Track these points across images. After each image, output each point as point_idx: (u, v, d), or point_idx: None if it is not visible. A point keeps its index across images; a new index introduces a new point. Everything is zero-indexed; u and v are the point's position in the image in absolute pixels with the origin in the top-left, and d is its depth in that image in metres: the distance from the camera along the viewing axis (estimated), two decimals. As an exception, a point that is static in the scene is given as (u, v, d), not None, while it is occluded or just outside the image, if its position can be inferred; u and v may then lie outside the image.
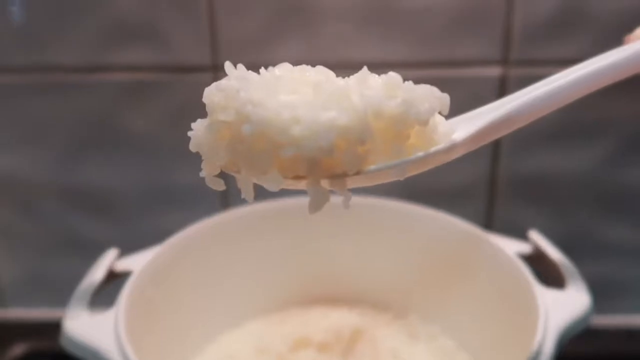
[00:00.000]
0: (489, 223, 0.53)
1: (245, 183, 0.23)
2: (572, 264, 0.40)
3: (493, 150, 0.50)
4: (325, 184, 0.23)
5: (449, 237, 0.43)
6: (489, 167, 0.51)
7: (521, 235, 0.43)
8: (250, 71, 0.24)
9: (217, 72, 0.48)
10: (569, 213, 0.53)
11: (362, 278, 0.47)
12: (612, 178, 0.51)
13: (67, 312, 0.37)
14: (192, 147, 0.24)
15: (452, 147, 0.24)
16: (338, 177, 0.23)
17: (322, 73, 0.24)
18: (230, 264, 0.45)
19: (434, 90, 0.23)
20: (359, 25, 0.47)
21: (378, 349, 0.42)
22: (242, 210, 0.44)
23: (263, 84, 0.22)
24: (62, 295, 0.41)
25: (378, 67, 0.48)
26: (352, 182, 0.23)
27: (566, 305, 0.36)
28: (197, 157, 0.24)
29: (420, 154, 0.24)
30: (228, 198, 0.52)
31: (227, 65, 0.24)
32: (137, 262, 0.40)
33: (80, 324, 0.36)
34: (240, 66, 0.24)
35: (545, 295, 0.36)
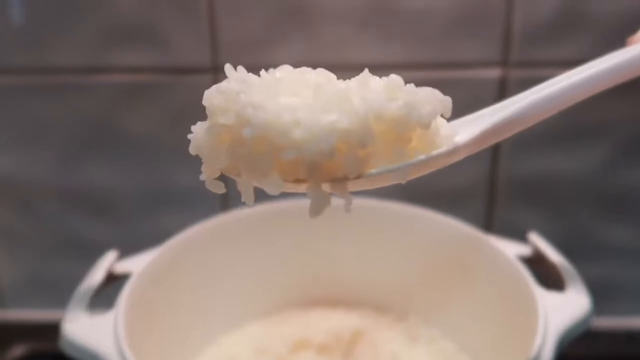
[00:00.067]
0: (489, 225, 0.53)
1: (245, 186, 0.23)
2: (572, 266, 0.40)
3: (493, 152, 0.50)
4: (326, 187, 0.23)
5: (449, 239, 0.43)
6: (489, 169, 0.51)
7: (521, 237, 0.43)
8: (250, 73, 0.24)
9: (217, 74, 0.48)
10: (569, 215, 0.53)
11: (362, 280, 0.47)
12: (611, 180, 0.51)
13: (66, 314, 0.37)
14: (192, 150, 0.24)
15: (455, 150, 0.24)
16: (339, 180, 0.22)
17: (322, 75, 0.24)
18: (230, 265, 0.45)
19: (436, 92, 0.23)
20: (359, 26, 0.47)
21: (378, 351, 0.42)
22: (242, 212, 0.44)
23: (263, 87, 0.22)
24: (61, 296, 0.41)
25: (378, 69, 0.48)
26: (353, 186, 0.23)
27: (566, 307, 0.36)
28: (197, 159, 0.24)
29: (422, 157, 0.24)
30: (228, 199, 0.52)
31: (228, 68, 0.24)
32: (136, 264, 0.40)
33: (80, 327, 0.36)
34: (241, 68, 0.24)
35: (545, 297, 0.36)
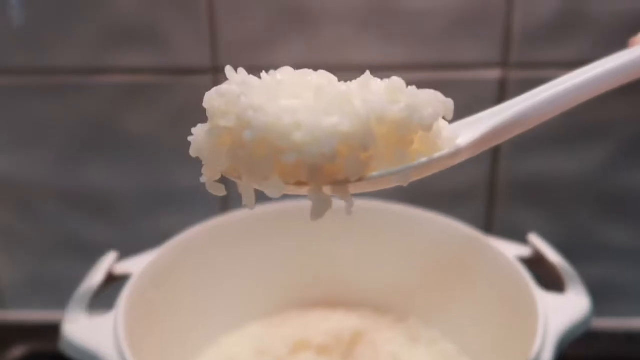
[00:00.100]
0: (489, 226, 0.53)
1: (246, 189, 0.23)
2: (572, 267, 0.40)
3: (493, 153, 0.50)
4: (327, 190, 0.22)
5: (449, 240, 0.43)
6: (489, 170, 0.51)
7: (521, 238, 0.43)
8: (251, 75, 0.24)
9: (217, 74, 0.48)
10: (569, 216, 0.52)
11: (363, 281, 0.47)
12: (611, 181, 0.51)
13: (66, 315, 0.37)
14: (193, 152, 0.24)
15: (456, 152, 0.24)
16: (340, 183, 0.22)
17: (323, 77, 0.24)
18: (230, 266, 0.45)
19: (438, 95, 0.23)
20: (359, 27, 0.47)
21: (378, 352, 0.42)
22: (242, 213, 0.44)
23: (264, 89, 0.22)
24: (61, 297, 0.41)
25: (378, 69, 0.48)
26: (355, 188, 0.23)
27: (566, 309, 0.36)
28: (197, 160, 0.24)
29: (424, 159, 0.23)
30: (228, 200, 0.52)
31: (228, 70, 0.24)
32: (136, 265, 0.40)
33: (80, 328, 0.36)
34: (241, 70, 0.24)
35: (545, 299, 0.36)
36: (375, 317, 0.46)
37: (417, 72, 0.48)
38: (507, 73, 0.48)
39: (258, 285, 0.46)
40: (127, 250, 0.42)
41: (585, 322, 0.37)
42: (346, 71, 0.47)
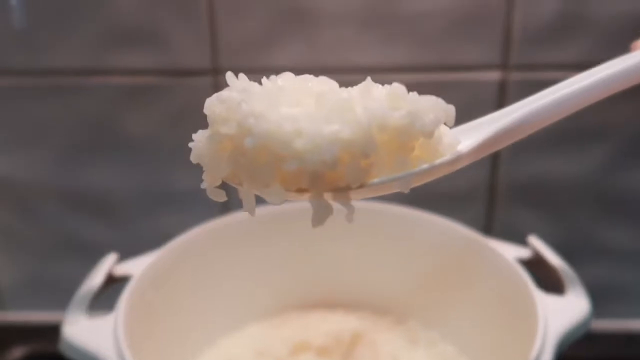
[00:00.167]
0: (489, 228, 0.53)
1: (247, 196, 0.23)
2: (572, 268, 0.40)
3: (493, 155, 0.50)
4: (328, 197, 0.22)
5: (449, 242, 0.43)
6: (488, 172, 0.51)
7: (521, 240, 0.43)
8: (252, 82, 0.23)
9: (217, 76, 0.48)
10: (569, 217, 0.53)
11: (362, 282, 0.47)
12: (611, 182, 0.51)
13: (66, 317, 0.37)
14: (193, 158, 0.23)
15: (457, 158, 0.24)
16: (341, 190, 0.22)
17: (325, 83, 0.24)
18: (230, 267, 0.45)
19: (439, 101, 0.23)
20: (358, 28, 0.47)
21: (378, 353, 0.42)
22: (242, 214, 0.44)
23: (265, 95, 0.22)
24: (61, 298, 0.41)
25: (378, 71, 0.48)
26: (356, 195, 0.23)
27: (566, 311, 0.36)
28: (197, 161, 0.24)
29: (425, 166, 0.23)
30: (228, 202, 0.52)
31: (229, 76, 0.23)
32: (136, 267, 0.40)
33: (80, 329, 0.36)
34: (242, 76, 0.24)
35: (544, 300, 0.36)
36: (375, 318, 0.46)
37: (417, 74, 0.48)
38: (507, 75, 0.48)
39: (258, 286, 0.46)
40: (127, 252, 0.43)
41: (584, 323, 0.37)
42: (346, 72, 0.47)
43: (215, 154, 0.23)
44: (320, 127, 0.21)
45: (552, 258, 0.41)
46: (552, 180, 0.51)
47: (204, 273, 0.44)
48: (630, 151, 0.50)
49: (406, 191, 0.23)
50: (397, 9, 0.46)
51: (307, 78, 0.24)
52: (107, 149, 0.51)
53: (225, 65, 0.48)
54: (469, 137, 0.25)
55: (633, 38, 0.30)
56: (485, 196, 0.52)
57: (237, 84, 0.23)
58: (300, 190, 0.22)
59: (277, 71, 0.47)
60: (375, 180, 0.23)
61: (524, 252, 0.42)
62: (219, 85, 0.48)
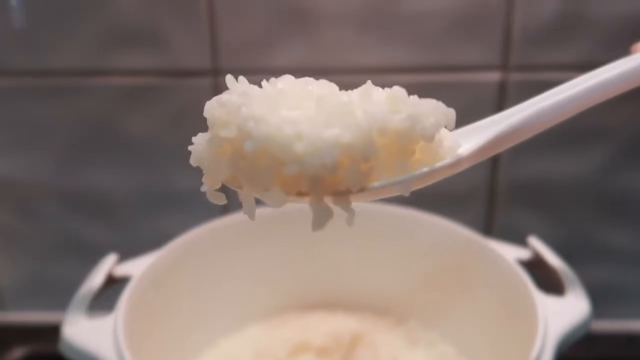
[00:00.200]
0: (489, 229, 0.53)
1: (247, 199, 0.23)
2: (572, 269, 0.40)
3: (493, 156, 0.50)
4: (328, 200, 0.22)
5: (449, 243, 0.43)
6: (488, 173, 0.51)
7: (521, 240, 0.43)
8: (252, 85, 0.23)
9: (217, 76, 0.48)
10: (569, 218, 0.53)
11: (362, 283, 0.47)
12: (611, 183, 0.51)
13: (66, 317, 0.37)
14: (193, 161, 0.23)
15: (458, 162, 0.24)
16: (341, 194, 0.22)
17: (325, 87, 0.24)
18: (230, 268, 0.45)
19: (440, 104, 0.23)
20: (358, 29, 0.47)
21: (378, 354, 0.42)
22: (242, 215, 0.44)
23: (265, 99, 0.22)
24: (61, 298, 0.41)
25: (378, 72, 0.48)
26: (356, 199, 0.23)
27: (566, 312, 0.36)
28: (196, 162, 0.24)
29: (426, 169, 0.23)
30: (228, 202, 0.52)
31: (229, 79, 0.23)
32: (136, 267, 0.40)
33: (79, 330, 0.36)
34: (242, 79, 0.24)
35: (544, 301, 0.36)
36: (375, 319, 0.46)
37: (417, 75, 0.48)
38: (507, 75, 0.48)
39: (258, 287, 0.46)
40: (127, 252, 0.43)
41: (584, 325, 0.37)
42: (346, 73, 0.47)
43: (215, 157, 0.23)
44: (321, 130, 0.21)
45: (552, 259, 0.41)
46: (552, 181, 0.51)
47: (204, 274, 0.44)
48: (630, 152, 0.50)
49: (406, 194, 0.23)
50: (397, 10, 0.46)
51: (308, 81, 0.24)
52: (107, 150, 0.51)
53: (225, 65, 0.48)
54: (470, 140, 0.25)
55: (633, 39, 0.30)
56: (485, 197, 0.52)
57: (237, 87, 0.23)
58: (301, 194, 0.22)
59: (277, 72, 0.47)
60: (376, 184, 0.23)
61: (524, 253, 0.42)
62: (219, 85, 0.48)
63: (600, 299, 0.41)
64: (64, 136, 0.51)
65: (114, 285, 0.40)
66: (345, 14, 0.46)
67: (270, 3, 0.46)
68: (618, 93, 0.27)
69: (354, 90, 0.23)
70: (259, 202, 0.24)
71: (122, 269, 0.41)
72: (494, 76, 0.48)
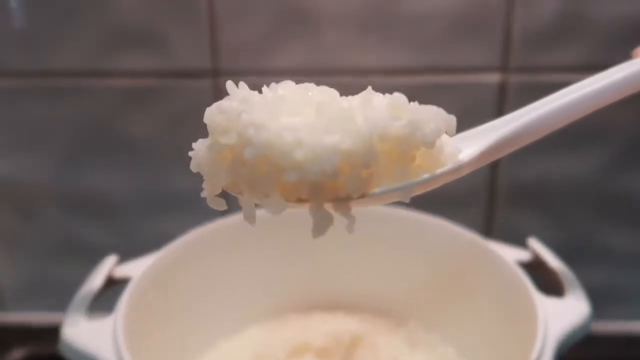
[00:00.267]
0: (489, 230, 0.53)
1: (247, 205, 0.23)
2: (572, 270, 0.40)
3: (493, 157, 0.50)
4: (328, 207, 0.22)
5: (449, 244, 0.43)
6: (488, 174, 0.51)
7: (521, 242, 0.43)
8: (252, 91, 0.23)
9: (217, 78, 0.48)
10: (569, 219, 0.52)
11: (362, 284, 0.47)
12: (611, 184, 0.51)
13: (65, 318, 0.37)
14: (193, 167, 0.23)
15: (459, 167, 0.24)
16: (342, 200, 0.22)
17: (325, 92, 0.23)
18: (229, 269, 0.45)
19: (440, 111, 0.23)
20: (359, 31, 0.47)
21: (378, 355, 0.42)
22: (242, 216, 0.44)
23: (265, 105, 0.22)
24: (61, 299, 0.41)
25: (378, 73, 0.48)
26: (356, 205, 0.23)
27: (565, 313, 0.36)
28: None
29: (426, 175, 0.23)
30: (228, 204, 0.52)
31: (229, 85, 0.23)
32: (136, 268, 0.40)
33: (79, 331, 0.36)
34: (242, 85, 0.24)
35: (544, 303, 0.36)
36: (375, 320, 0.46)
37: (417, 76, 0.48)
38: (507, 77, 0.48)
39: (257, 288, 0.46)
40: (127, 253, 0.43)
41: (584, 326, 0.37)
42: (346, 74, 0.47)
43: (215, 163, 0.23)
44: (321, 137, 0.21)
45: (552, 260, 0.41)
46: (552, 182, 0.51)
47: (203, 275, 0.44)
48: (630, 153, 0.50)
49: (407, 200, 0.23)
50: (397, 11, 0.46)
51: (308, 87, 0.24)
52: (107, 150, 0.51)
53: (226, 67, 0.48)
54: (470, 146, 0.25)
55: (633, 40, 0.30)
56: (485, 198, 0.52)
57: (238, 94, 0.23)
58: (301, 200, 0.22)
59: (277, 73, 0.48)
60: (376, 190, 0.23)
61: (524, 255, 0.42)
62: (219, 87, 0.48)
63: (600, 300, 0.41)
64: (64, 137, 0.51)
65: (113, 286, 0.40)
66: (345, 15, 0.46)
67: (270, 4, 0.46)
68: (618, 98, 0.27)
69: (355, 96, 0.23)
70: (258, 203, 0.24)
71: (122, 270, 0.41)
72: (494, 77, 0.48)
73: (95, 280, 0.39)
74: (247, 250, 0.45)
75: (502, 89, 0.48)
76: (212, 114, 0.23)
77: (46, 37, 0.48)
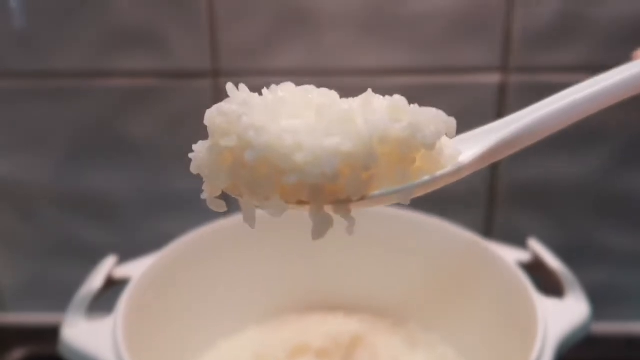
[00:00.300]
0: (489, 231, 0.53)
1: (247, 208, 0.23)
2: (572, 271, 0.40)
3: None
4: (328, 209, 0.22)
5: (448, 244, 0.43)
6: (488, 175, 0.51)
7: (521, 242, 0.43)
8: (252, 93, 0.23)
9: (217, 78, 0.48)
10: (569, 220, 0.52)
11: (362, 285, 0.47)
12: (611, 185, 0.51)
13: (65, 319, 0.37)
14: (193, 169, 0.23)
15: (459, 169, 0.24)
16: (342, 202, 0.22)
17: (325, 95, 0.23)
18: (229, 270, 0.45)
19: (440, 113, 0.23)
20: (358, 31, 0.47)
21: (377, 356, 0.42)
22: (241, 217, 0.44)
23: (265, 108, 0.22)
24: (61, 300, 0.41)
25: (378, 74, 0.48)
26: (356, 207, 0.23)
27: (565, 314, 0.36)
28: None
29: (426, 177, 0.23)
30: (228, 205, 0.52)
31: (229, 87, 0.23)
32: (136, 269, 0.40)
33: (79, 332, 0.36)
34: (242, 87, 0.24)
35: (544, 304, 0.36)
36: (374, 321, 0.46)
37: (417, 76, 0.48)
38: (507, 77, 0.48)
39: (257, 288, 0.46)
40: (127, 254, 0.43)
41: (584, 327, 0.37)
42: (346, 75, 0.47)
43: (215, 165, 0.23)
44: (321, 139, 0.21)
45: (552, 261, 0.41)
46: (552, 183, 0.51)
47: (203, 275, 0.44)
48: (630, 154, 0.50)
49: (407, 203, 0.23)
50: (397, 12, 0.46)
51: (308, 89, 0.24)
52: (107, 151, 0.51)
53: (226, 67, 0.48)
54: (470, 148, 0.25)
55: (634, 40, 0.30)
56: (485, 199, 0.52)
57: (238, 96, 0.23)
58: (301, 203, 0.22)
59: (277, 73, 0.48)
60: (376, 192, 0.23)
61: (524, 255, 0.42)
62: (219, 87, 0.48)
63: (600, 301, 0.41)
64: (64, 137, 0.51)
65: (113, 286, 0.40)
66: (345, 15, 0.46)
67: (270, 5, 0.46)
68: (618, 101, 0.27)
69: (355, 98, 0.23)
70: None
71: (122, 271, 0.41)
72: (494, 78, 0.48)
73: (95, 281, 0.39)
74: (247, 250, 0.45)
75: (502, 89, 0.48)
76: (212, 116, 0.23)
77: (46, 37, 0.48)
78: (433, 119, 0.22)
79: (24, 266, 0.56)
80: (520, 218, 0.52)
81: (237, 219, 0.44)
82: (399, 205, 0.44)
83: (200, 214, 0.46)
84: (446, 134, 0.23)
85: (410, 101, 0.23)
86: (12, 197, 0.53)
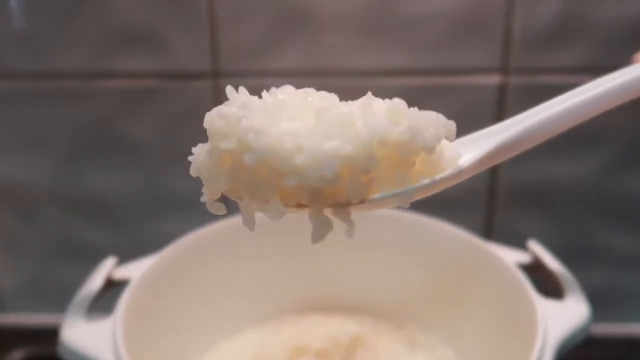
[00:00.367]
0: (489, 232, 0.53)
1: (247, 211, 0.23)
2: (572, 273, 0.40)
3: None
4: (328, 212, 0.22)
5: (448, 246, 0.43)
6: (488, 176, 0.51)
7: (521, 243, 0.43)
8: (252, 96, 0.23)
9: (217, 79, 0.48)
10: (569, 221, 0.52)
11: (362, 286, 0.47)
12: (611, 186, 0.51)
13: (64, 320, 0.37)
14: (193, 172, 0.23)
15: (459, 173, 0.24)
16: (341, 205, 0.22)
17: (325, 98, 0.23)
18: (229, 271, 0.45)
19: (440, 116, 0.23)
20: (358, 32, 0.47)
21: (377, 357, 0.42)
22: (241, 219, 0.44)
23: (265, 110, 0.22)
24: (61, 301, 0.42)
25: (378, 75, 0.48)
26: (356, 210, 0.23)
27: (565, 316, 0.36)
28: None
29: (426, 181, 0.23)
30: (227, 206, 0.52)
31: (229, 90, 0.23)
32: (135, 270, 0.40)
33: (78, 333, 0.36)
34: (242, 89, 0.23)
35: (544, 305, 0.36)
36: (374, 322, 0.46)
37: (417, 77, 0.48)
38: (507, 78, 0.48)
39: (257, 290, 0.46)
40: (127, 255, 0.43)
41: (584, 328, 0.37)
42: (346, 76, 0.47)
43: (214, 168, 0.23)
44: (321, 142, 0.21)
45: (552, 263, 0.41)
46: (552, 185, 0.51)
47: (203, 276, 0.43)
48: (630, 155, 0.50)
49: (406, 206, 0.23)
50: (397, 13, 0.46)
51: (308, 92, 0.24)
52: (107, 152, 0.51)
53: (226, 68, 0.48)
54: (470, 151, 0.25)
55: (634, 42, 0.30)
56: (485, 200, 0.52)
57: (237, 99, 0.23)
58: (300, 206, 0.22)
59: (277, 74, 0.48)
60: (376, 195, 0.23)
61: (524, 257, 0.42)
62: (219, 88, 0.48)
63: (599, 303, 0.41)
64: (64, 138, 0.51)
65: (113, 288, 0.40)
66: (345, 16, 0.46)
67: (270, 5, 0.46)
68: (618, 104, 0.27)
69: (355, 101, 0.23)
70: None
71: (121, 272, 0.41)
72: (494, 79, 0.48)
73: (95, 282, 0.39)
74: (247, 251, 0.45)
75: (502, 90, 0.48)
76: (212, 118, 0.23)
77: (46, 38, 0.48)
78: (433, 122, 0.22)
79: (23, 266, 0.56)
80: (520, 219, 0.52)
81: (237, 220, 0.44)
82: (399, 207, 0.45)
83: (200, 215, 0.46)
84: (446, 137, 0.23)
85: (410, 102, 0.23)
86: (12, 197, 0.53)
